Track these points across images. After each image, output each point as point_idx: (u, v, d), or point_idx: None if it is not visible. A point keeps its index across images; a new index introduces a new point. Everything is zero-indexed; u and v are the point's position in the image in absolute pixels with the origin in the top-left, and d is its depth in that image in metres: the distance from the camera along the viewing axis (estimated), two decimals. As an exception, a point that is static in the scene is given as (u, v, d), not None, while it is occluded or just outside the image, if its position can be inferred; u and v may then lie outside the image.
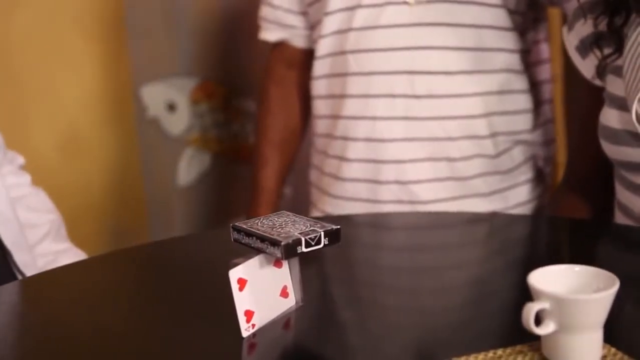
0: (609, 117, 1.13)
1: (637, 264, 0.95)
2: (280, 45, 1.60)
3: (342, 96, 1.44)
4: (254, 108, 2.02)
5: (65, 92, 1.84)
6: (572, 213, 1.27)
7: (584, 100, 1.27)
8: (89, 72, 1.87)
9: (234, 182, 2.08)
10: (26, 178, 1.32)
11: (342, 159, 1.45)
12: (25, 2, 1.76)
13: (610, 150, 1.11)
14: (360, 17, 1.39)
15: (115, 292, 1.00)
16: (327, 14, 1.43)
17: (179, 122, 1.99)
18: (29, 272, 1.10)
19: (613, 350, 0.70)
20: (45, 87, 1.81)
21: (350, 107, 1.43)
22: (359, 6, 1.38)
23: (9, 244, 1.09)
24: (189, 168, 2.03)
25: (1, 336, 0.89)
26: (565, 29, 1.24)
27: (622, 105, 1.10)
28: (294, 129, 1.65)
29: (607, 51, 1.12)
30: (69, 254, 1.25)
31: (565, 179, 1.38)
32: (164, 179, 1.99)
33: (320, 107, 1.52)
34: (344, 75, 1.43)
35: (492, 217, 1.17)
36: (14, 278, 1.07)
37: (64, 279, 1.02)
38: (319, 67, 1.49)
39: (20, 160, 1.33)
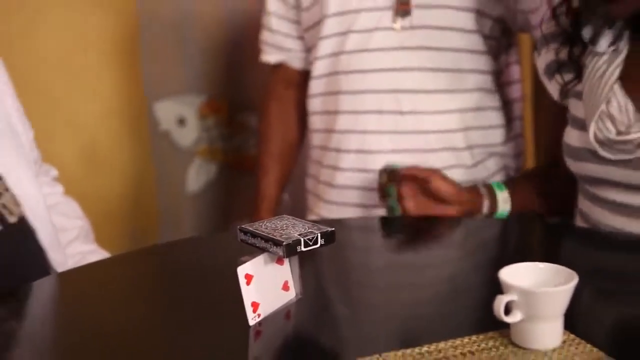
0: (571, 136, 1.13)
1: (595, 262, 0.95)
2: (279, 67, 1.60)
3: (336, 112, 1.44)
4: (256, 122, 2.01)
5: (86, 109, 1.84)
6: (525, 202, 1.28)
7: (552, 118, 1.27)
8: (107, 90, 1.87)
9: (238, 189, 2.07)
10: (59, 188, 1.33)
11: (336, 168, 1.45)
12: (48, 27, 1.77)
13: (573, 165, 1.12)
14: (352, 42, 1.39)
15: (134, 286, 1.01)
16: (321, 38, 1.43)
17: (188, 135, 1.99)
18: (60, 269, 1.10)
19: (572, 336, 0.72)
20: (68, 104, 1.80)
21: (343, 122, 1.43)
22: (351, 31, 1.39)
23: (45, 244, 1.09)
24: (197, 177, 2.03)
25: (38, 320, 0.91)
26: (536, 54, 1.24)
27: (583, 125, 1.10)
28: (292, 142, 1.65)
29: (568, 77, 1.13)
30: (95, 255, 1.25)
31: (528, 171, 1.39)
32: (175, 186, 1.99)
33: (315, 122, 1.52)
34: (337, 93, 1.43)
35: (468, 221, 1.17)
36: (48, 274, 1.07)
37: (90, 275, 1.03)
38: (315, 86, 1.49)
39: (54, 172, 1.34)
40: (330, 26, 1.42)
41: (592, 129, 1.06)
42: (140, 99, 1.92)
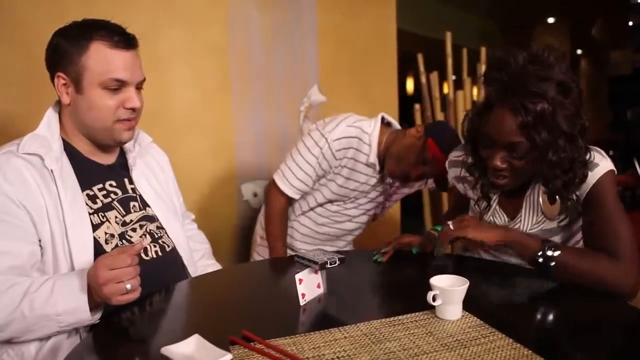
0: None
1: (479, 272, 0.97)
2: (286, 194, 1.51)
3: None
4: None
5: (205, 183, 1.81)
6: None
7: (457, 192, 1.26)
8: (218, 175, 1.85)
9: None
10: (194, 225, 1.28)
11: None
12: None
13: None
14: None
15: (238, 281, 1.04)
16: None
17: (258, 202, 1.97)
18: (193, 276, 1.10)
19: (468, 314, 0.78)
20: (195, 186, 1.78)
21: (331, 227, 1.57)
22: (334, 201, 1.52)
23: (185, 261, 1.08)
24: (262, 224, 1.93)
25: (180, 301, 0.93)
26: (447, 168, 1.22)
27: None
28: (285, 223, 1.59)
29: (481, 203, 1.11)
30: (213, 267, 1.22)
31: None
32: (248, 230, 1.95)
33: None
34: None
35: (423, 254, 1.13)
36: (186, 278, 1.08)
37: (210, 279, 1.06)
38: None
39: (192, 216, 1.30)
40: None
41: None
42: (234, 181, 1.91)
